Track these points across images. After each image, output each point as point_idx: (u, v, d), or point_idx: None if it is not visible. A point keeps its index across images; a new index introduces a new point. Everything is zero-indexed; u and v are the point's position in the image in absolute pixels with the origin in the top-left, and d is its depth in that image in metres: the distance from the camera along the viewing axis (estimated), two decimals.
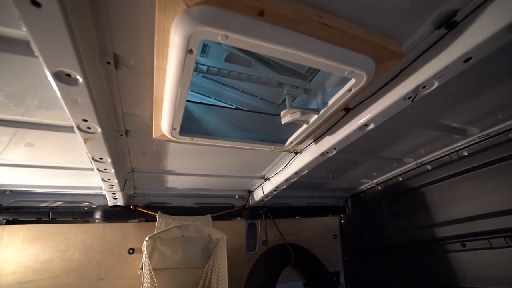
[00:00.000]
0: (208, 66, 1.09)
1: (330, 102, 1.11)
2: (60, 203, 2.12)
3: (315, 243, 2.98)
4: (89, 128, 1.11)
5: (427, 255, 2.33)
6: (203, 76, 1.39)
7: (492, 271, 1.91)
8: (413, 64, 1.05)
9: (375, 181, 2.82)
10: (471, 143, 2.01)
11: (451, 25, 0.90)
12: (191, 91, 1.44)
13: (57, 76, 0.82)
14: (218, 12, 0.68)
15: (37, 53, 0.74)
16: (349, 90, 1.02)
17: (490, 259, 1.92)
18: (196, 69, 1.10)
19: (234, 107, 1.47)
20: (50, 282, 1.97)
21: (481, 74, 1.35)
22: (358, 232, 3.06)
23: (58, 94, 0.89)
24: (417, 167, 2.41)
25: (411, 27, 0.92)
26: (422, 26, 0.91)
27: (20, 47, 0.90)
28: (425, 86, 1.07)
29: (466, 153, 2.06)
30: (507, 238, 1.80)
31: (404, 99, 1.13)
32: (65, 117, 1.28)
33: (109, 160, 1.41)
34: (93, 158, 1.39)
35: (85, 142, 1.21)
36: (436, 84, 1.05)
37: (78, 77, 0.83)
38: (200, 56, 1.23)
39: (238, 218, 2.66)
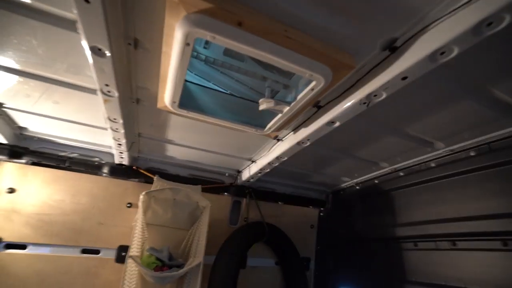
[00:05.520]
0: (206, 56, 1.38)
1: (298, 97, 1.38)
2: (75, 154, 2.48)
3: (292, 229, 3.23)
4: (109, 91, 1.42)
5: (386, 251, 2.59)
6: (205, 63, 1.68)
7: (437, 269, 2.17)
8: (366, 76, 1.30)
9: (355, 181, 3.07)
10: (438, 156, 2.23)
11: (393, 49, 1.15)
12: (195, 74, 1.73)
13: (92, 49, 1.12)
14: (209, 20, 0.97)
15: (81, 31, 1.04)
16: (312, 89, 1.29)
17: (436, 258, 2.17)
18: (197, 57, 1.39)
19: (227, 92, 1.76)
20: (61, 218, 2.36)
21: (453, 89, 1.54)
22: (333, 225, 3.34)
23: (90, 62, 1.20)
24: (391, 172, 2.65)
25: (362, 47, 1.18)
26: (370, 47, 1.17)
27: (66, 24, 1.21)
28: (376, 95, 1.32)
29: (433, 165, 2.29)
30: (449, 242, 2.05)
31: (360, 104, 1.39)
32: (88, 80, 1.61)
33: (121, 121, 1.73)
34: (108, 118, 1.71)
35: (104, 103, 1.53)
36: (384, 95, 1.31)
37: (106, 52, 1.14)
38: (204, 47, 1.52)
39: (225, 193, 2.98)
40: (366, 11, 1.03)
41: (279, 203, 3.27)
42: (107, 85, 1.37)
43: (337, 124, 1.61)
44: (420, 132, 2.02)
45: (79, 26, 1.02)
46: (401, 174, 2.56)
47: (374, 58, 1.22)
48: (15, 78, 1.62)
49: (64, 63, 1.50)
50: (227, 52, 1.51)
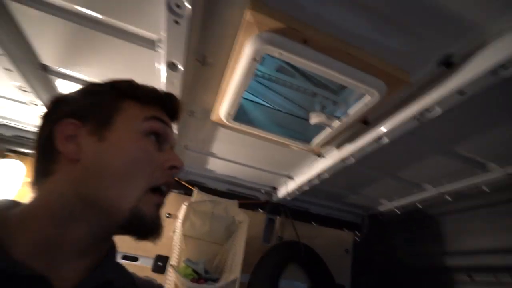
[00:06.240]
0: (263, 72, 1.49)
1: (350, 112, 1.43)
2: None
3: (326, 253, 3.09)
4: None
5: (434, 282, 2.39)
6: (256, 80, 1.80)
7: None
8: (419, 91, 1.33)
9: (394, 203, 2.94)
10: (492, 180, 2.10)
11: (449, 65, 1.18)
12: (246, 91, 1.85)
13: (169, 64, 1.28)
14: (277, 37, 1.08)
15: (163, 49, 1.20)
16: (365, 104, 1.34)
17: None
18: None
19: (274, 107, 1.85)
20: None
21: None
22: (371, 251, 3.16)
23: (164, 75, 1.35)
24: (436, 196, 2.51)
25: (416, 63, 1.22)
26: (425, 62, 1.21)
27: (146, 43, 1.38)
28: (429, 111, 1.33)
29: (486, 189, 2.15)
30: None
31: (412, 120, 1.40)
32: None
33: (176, 132, 1.87)
34: None
35: None
36: (439, 110, 1.31)
37: (180, 66, 1.28)
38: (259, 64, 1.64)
39: (261, 210, 2.98)
40: (423, 29, 1.08)
41: (313, 223, 3.19)
42: None
43: (386, 141, 1.62)
44: (472, 152, 1.93)
45: (162, 44, 1.19)
46: (448, 198, 2.42)
47: (429, 73, 1.25)
48: None
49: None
50: (279, 69, 1.62)
